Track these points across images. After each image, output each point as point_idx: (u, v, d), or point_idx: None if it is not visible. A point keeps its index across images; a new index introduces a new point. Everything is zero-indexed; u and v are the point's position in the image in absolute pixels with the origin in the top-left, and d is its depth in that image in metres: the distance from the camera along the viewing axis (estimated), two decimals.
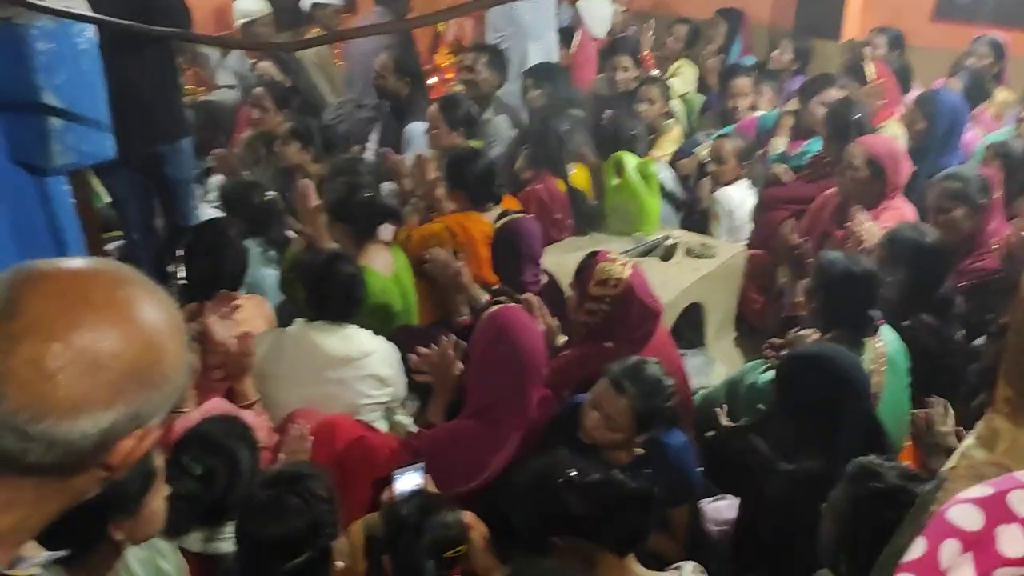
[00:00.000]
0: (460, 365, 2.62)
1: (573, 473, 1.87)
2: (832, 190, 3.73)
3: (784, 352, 2.66)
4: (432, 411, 2.68)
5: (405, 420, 2.77)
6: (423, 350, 2.65)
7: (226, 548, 1.94)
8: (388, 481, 2.11)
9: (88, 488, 0.88)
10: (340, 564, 1.85)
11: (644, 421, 2.29)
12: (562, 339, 2.88)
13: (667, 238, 3.80)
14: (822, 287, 2.77)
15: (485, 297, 3.08)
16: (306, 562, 1.72)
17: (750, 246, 4.02)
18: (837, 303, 2.72)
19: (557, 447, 2.22)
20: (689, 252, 3.75)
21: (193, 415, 2.14)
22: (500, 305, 2.65)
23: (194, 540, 1.93)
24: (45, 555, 0.93)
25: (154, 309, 0.86)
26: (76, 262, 0.87)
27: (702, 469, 2.52)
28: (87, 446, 0.81)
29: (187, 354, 0.90)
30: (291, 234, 3.39)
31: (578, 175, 4.02)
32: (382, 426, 2.68)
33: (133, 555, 1.71)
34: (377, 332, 2.76)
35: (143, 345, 0.83)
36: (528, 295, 2.92)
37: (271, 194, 3.53)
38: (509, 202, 3.57)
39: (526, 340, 2.52)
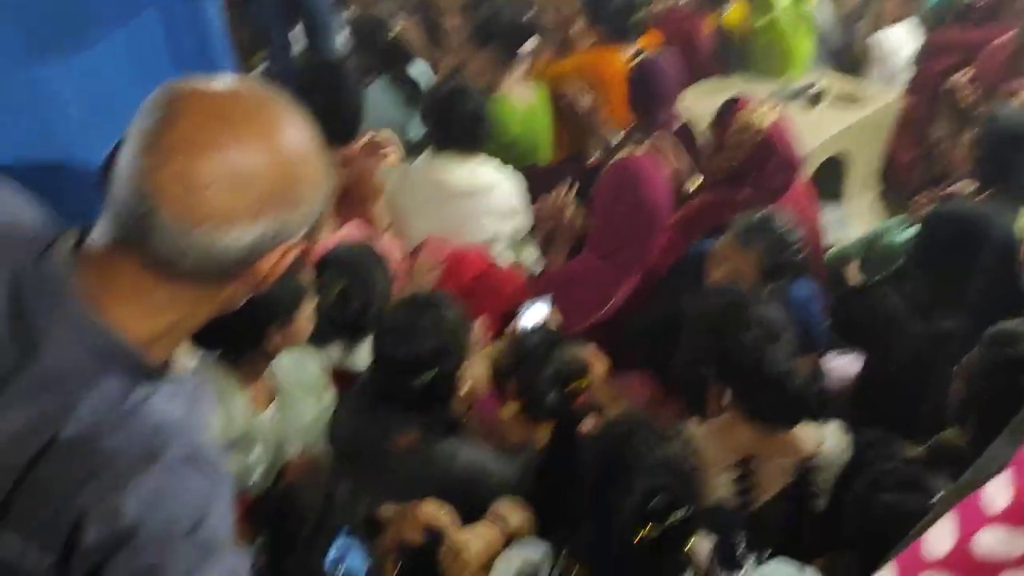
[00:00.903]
0: (581, 213, 2.62)
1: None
2: (1007, 36, 3.39)
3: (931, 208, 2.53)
4: (552, 255, 2.71)
5: (530, 256, 2.82)
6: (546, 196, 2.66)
7: (360, 364, 2.08)
8: (514, 314, 2.18)
9: (237, 297, 0.94)
10: (465, 389, 1.95)
11: (769, 275, 2.25)
12: (695, 182, 2.82)
13: (816, 83, 3.58)
14: (989, 140, 2.58)
15: (617, 138, 3.03)
16: (432, 381, 1.83)
17: (907, 94, 3.74)
18: (1002, 159, 2.53)
19: (679, 292, 2.22)
20: (838, 98, 3.53)
21: (331, 239, 2.24)
22: (628, 153, 2.61)
23: (333, 353, 2.07)
24: (200, 355, 1.02)
25: (297, 132, 0.88)
26: (225, 82, 0.89)
27: (828, 322, 2.48)
28: (234, 258, 0.86)
29: (326, 176, 0.93)
30: (422, 70, 3.38)
31: (734, 12, 3.78)
32: (508, 259, 2.74)
33: (282, 361, 1.86)
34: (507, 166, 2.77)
35: (285, 165, 0.87)
36: (659, 135, 2.85)
37: (399, 28, 3.48)
38: (653, 36, 3.43)
39: (651, 191, 2.49)
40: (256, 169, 0.84)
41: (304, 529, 1.37)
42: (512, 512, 1.67)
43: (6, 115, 1.36)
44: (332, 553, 1.34)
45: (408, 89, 3.33)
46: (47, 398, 0.82)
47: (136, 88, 1.41)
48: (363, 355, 2.08)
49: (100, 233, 0.88)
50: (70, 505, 0.78)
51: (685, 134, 3.08)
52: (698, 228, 2.65)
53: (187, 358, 0.95)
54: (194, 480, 0.81)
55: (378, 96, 3.20)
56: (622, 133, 3.05)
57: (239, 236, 0.85)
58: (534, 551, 1.55)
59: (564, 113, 3.14)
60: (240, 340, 1.70)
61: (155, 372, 0.88)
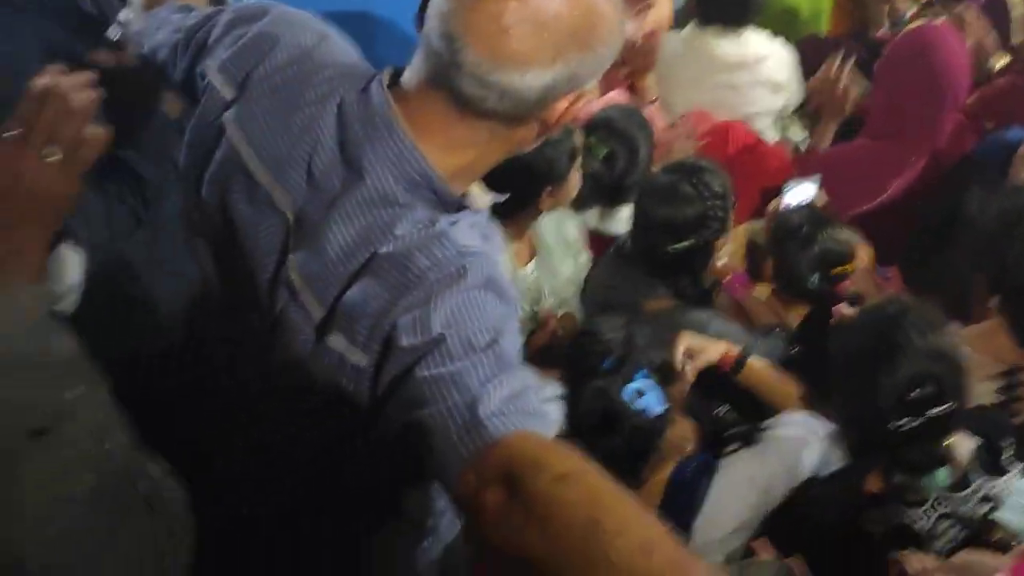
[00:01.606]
0: (855, 88, 2.43)
1: None
2: None
3: None
4: (819, 134, 2.56)
5: (798, 134, 2.69)
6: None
7: (616, 229, 2.13)
8: (777, 191, 2.11)
9: (527, 140, 1.00)
10: (722, 261, 1.94)
11: None
12: (1000, 59, 2.52)
13: None
14: None
15: (911, 8, 2.75)
16: (689, 249, 1.83)
17: None
18: None
19: (966, 184, 2.04)
20: None
21: (596, 103, 2.26)
22: (925, 21, 2.37)
23: (591, 217, 2.13)
24: (491, 196, 1.10)
25: None
26: None
27: None
28: (531, 99, 0.91)
29: (620, 27, 0.95)
30: None
31: None
32: (773, 136, 2.63)
33: (546, 219, 1.94)
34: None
35: (584, 9, 0.90)
36: (963, 6, 2.55)
37: None
38: None
39: (948, 62, 2.27)
40: (558, 12, 0.88)
41: (602, 365, 1.44)
42: None
43: None
44: (633, 385, 1.42)
45: None
46: (370, 217, 0.93)
47: None
48: (619, 220, 2.11)
49: (411, 73, 0.96)
50: (386, 314, 0.88)
51: (996, 6, 2.73)
52: (999, 113, 2.39)
53: (482, 197, 1.03)
54: (492, 303, 0.89)
55: None
56: (918, 3, 2.76)
57: (537, 78, 0.89)
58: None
59: None
60: (519, 196, 1.79)
61: (456, 204, 0.96)
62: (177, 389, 1.08)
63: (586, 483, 0.71)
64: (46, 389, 0.87)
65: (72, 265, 0.98)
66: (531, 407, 0.82)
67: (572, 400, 1.45)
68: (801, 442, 1.52)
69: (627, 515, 0.69)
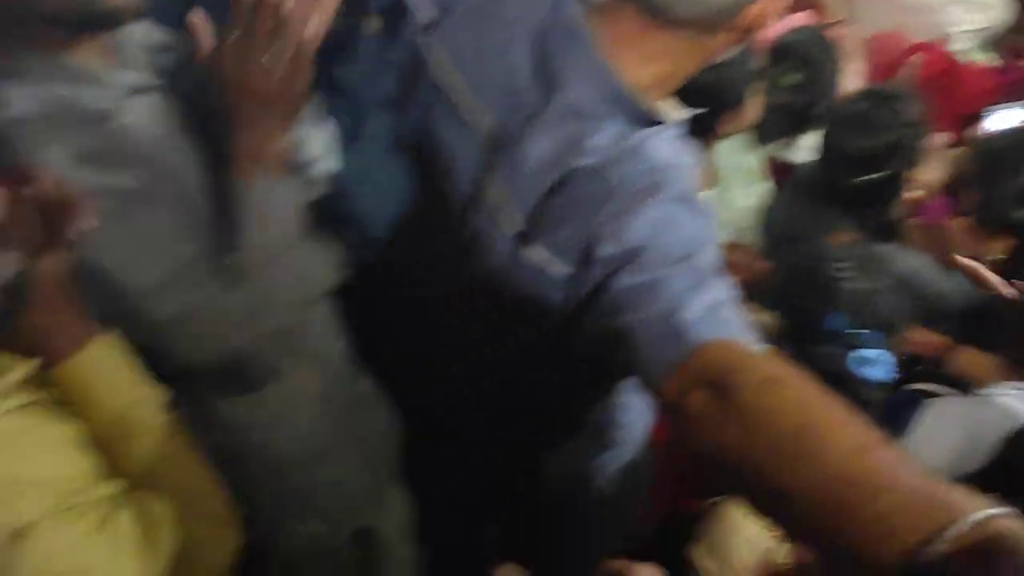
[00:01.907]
0: None
1: None
2: None
3: None
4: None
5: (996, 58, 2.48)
6: None
7: (799, 158, 2.05)
8: (978, 117, 1.97)
9: (721, 49, 0.98)
10: (912, 193, 1.83)
11: None
12: None
13: None
14: None
15: None
16: (880, 180, 1.74)
17: None
18: None
19: None
20: None
21: (779, 25, 2.16)
22: None
23: (773, 145, 2.06)
24: (684, 110, 1.08)
25: None
26: None
27: None
28: (723, 5, 0.91)
29: None
30: None
31: None
32: (975, 58, 2.44)
33: (723, 146, 1.90)
34: None
35: None
36: None
37: None
38: None
39: None
40: None
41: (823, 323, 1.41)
42: None
43: None
44: (861, 353, 1.38)
45: None
46: (567, 131, 0.94)
47: None
48: (802, 148, 2.03)
49: None
50: (585, 226, 0.90)
51: None
52: None
53: (675, 111, 1.02)
54: (687, 216, 0.89)
55: None
56: None
57: None
58: None
59: None
60: (695, 121, 1.76)
61: (649, 119, 0.96)
62: (375, 303, 1.15)
63: (795, 387, 0.71)
64: None
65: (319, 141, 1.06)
66: (731, 317, 0.83)
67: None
68: (1018, 400, 1.43)
69: (839, 418, 0.68)
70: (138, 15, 0.88)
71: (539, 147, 0.95)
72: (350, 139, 1.08)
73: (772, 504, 0.69)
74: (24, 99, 0.84)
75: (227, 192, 0.92)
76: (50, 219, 0.76)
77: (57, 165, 0.81)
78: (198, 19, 0.91)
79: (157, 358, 0.89)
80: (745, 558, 1.23)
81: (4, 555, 0.66)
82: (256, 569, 1.01)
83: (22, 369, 0.77)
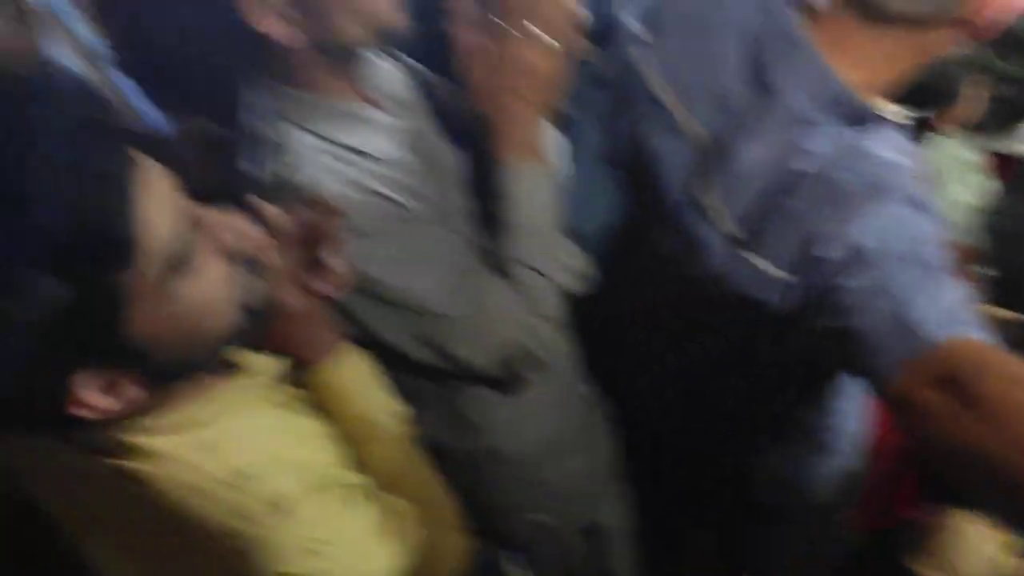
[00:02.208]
0: None
1: None
2: None
3: None
4: None
5: None
6: None
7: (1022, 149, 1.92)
8: None
9: (938, 46, 0.95)
10: None
11: None
12: None
13: None
14: None
15: None
16: None
17: None
18: None
19: None
20: None
21: (1003, 13, 2.02)
22: None
23: (995, 139, 1.94)
24: (904, 110, 1.06)
25: None
26: None
27: None
28: None
29: None
30: None
31: None
32: None
33: (940, 141, 1.81)
34: None
35: None
36: None
37: None
38: None
39: None
40: None
41: None
42: None
43: None
44: None
45: None
46: (784, 136, 0.94)
47: None
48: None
49: None
50: (806, 229, 0.90)
51: None
52: None
53: (895, 111, 1.00)
54: (913, 215, 0.88)
55: None
56: None
57: None
58: None
59: None
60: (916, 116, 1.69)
61: (870, 119, 0.95)
62: (593, 311, 1.20)
63: None
64: None
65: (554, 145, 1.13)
66: (965, 314, 0.81)
67: None
68: None
69: None
70: (378, 45, 0.98)
71: (755, 152, 0.96)
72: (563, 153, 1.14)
73: (1012, 502, 0.68)
74: (303, 139, 0.97)
75: (491, 186, 0.99)
76: (314, 247, 0.87)
77: (330, 196, 0.92)
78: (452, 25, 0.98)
79: (421, 367, 0.99)
80: (972, 569, 1.18)
81: (266, 522, 0.74)
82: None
83: (276, 368, 0.87)
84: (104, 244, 0.60)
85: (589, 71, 1.13)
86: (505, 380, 1.05)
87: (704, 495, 1.27)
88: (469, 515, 0.98)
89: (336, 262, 0.87)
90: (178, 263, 0.66)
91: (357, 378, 0.92)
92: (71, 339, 0.61)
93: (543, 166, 1.01)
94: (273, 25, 0.92)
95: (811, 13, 0.96)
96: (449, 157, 1.07)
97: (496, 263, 1.00)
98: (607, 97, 1.13)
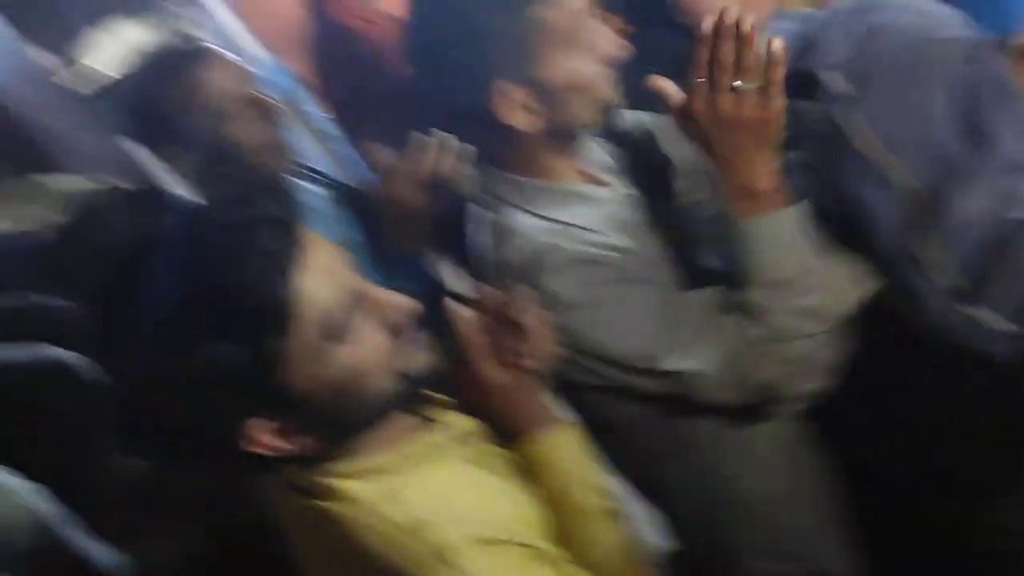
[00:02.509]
0: None
1: None
2: None
3: None
4: None
5: None
6: None
7: None
8: None
9: None
10: None
11: None
12: None
13: None
14: None
15: None
16: None
17: None
18: None
19: None
20: None
21: None
22: None
23: None
24: None
25: None
26: None
27: None
28: None
29: None
30: None
31: None
32: None
33: None
34: None
35: None
36: None
37: None
38: None
39: None
40: None
41: None
42: None
43: None
44: None
45: None
46: (1003, 184, 0.93)
47: None
48: None
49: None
50: None
51: None
52: None
53: None
54: None
55: None
56: None
57: None
58: None
59: None
60: None
61: None
62: None
63: None
64: None
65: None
66: None
67: None
68: None
69: None
70: (603, 125, 1.05)
71: (973, 202, 0.94)
72: None
73: None
74: (526, 221, 1.06)
75: (727, 236, 1.03)
76: (522, 325, 0.93)
77: (555, 273, 1.01)
78: (662, 81, 1.03)
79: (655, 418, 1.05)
80: None
81: (430, 566, 0.78)
82: None
83: (471, 425, 0.94)
84: (264, 314, 0.71)
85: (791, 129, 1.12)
86: (750, 415, 1.06)
87: (931, 544, 1.21)
88: (704, 567, 1.01)
89: (544, 337, 0.94)
90: (335, 332, 0.75)
91: (566, 454, 0.96)
92: (240, 391, 0.73)
93: (782, 211, 1.01)
94: (517, 116, 1.01)
95: (1019, 58, 0.95)
96: (663, 214, 1.12)
97: (743, 308, 1.02)
98: (813, 148, 1.11)
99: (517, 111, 1.00)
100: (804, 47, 1.16)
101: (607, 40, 1.05)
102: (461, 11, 1.01)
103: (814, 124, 1.10)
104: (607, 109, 1.08)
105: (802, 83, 1.15)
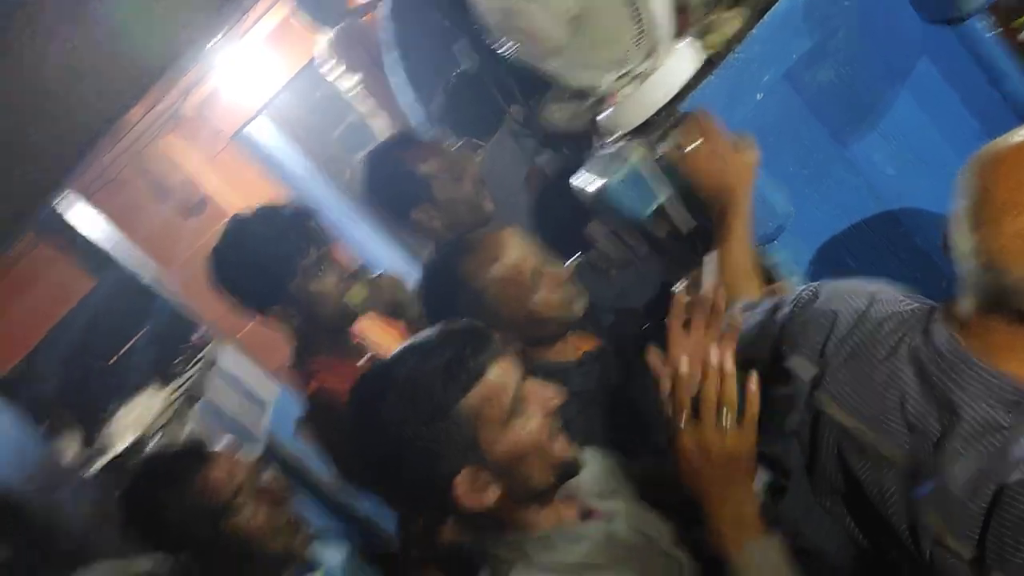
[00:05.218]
0: None
1: None
2: None
3: None
4: None
5: None
6: None
7: None
8: None
9: None
10: None
11: None
12: None
13: None
14: None
15: None
16: None
17: None
18: None
19: None
20: None
21: None
22: None
23: None
24: None
25: None
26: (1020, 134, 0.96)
27: None
28: None
29: None
30: None
31: None
32: None
33: None
34: None
35: None
36: None
37: None
38: None
39: None
40: None
41: None
42: None
43: (836, 189, 1.61)
44: None
45: None
46: (981, 449, 0.96)
47: (938, 133, 1.53)
48: None
49: (964, 304, 1.02)
50: None
51: None
52: None
53: None
54: None
55: None
56: None
57: None
58: None
59: None
60: None
61: None
62: None
63: None
64: None
65: None
66: None
67: None
68: None
69: None
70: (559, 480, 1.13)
71: (958, 472, 0.97)
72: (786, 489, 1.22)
73: None
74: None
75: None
76: None
77: None
78: (655, 356, 1.10)
79: None
80: None
81: None
82: None
83: None
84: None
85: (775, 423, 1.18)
86: None
87: None
88: None
89: None
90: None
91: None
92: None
93: (764, 537, 1.06)
94: (475, 499, 1.07)
95: (962, 323, 1.01)
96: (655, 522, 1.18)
97: None
98: (801, 439, 1.17)
99: (476, 495, 1.06)
100: (767, 336, 1.23)
101: (544, 396, 1.10)
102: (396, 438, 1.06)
103: (792, 414, 1.16)
104: (563, 464, 1.11)
105: (774, 373, 1.20)
